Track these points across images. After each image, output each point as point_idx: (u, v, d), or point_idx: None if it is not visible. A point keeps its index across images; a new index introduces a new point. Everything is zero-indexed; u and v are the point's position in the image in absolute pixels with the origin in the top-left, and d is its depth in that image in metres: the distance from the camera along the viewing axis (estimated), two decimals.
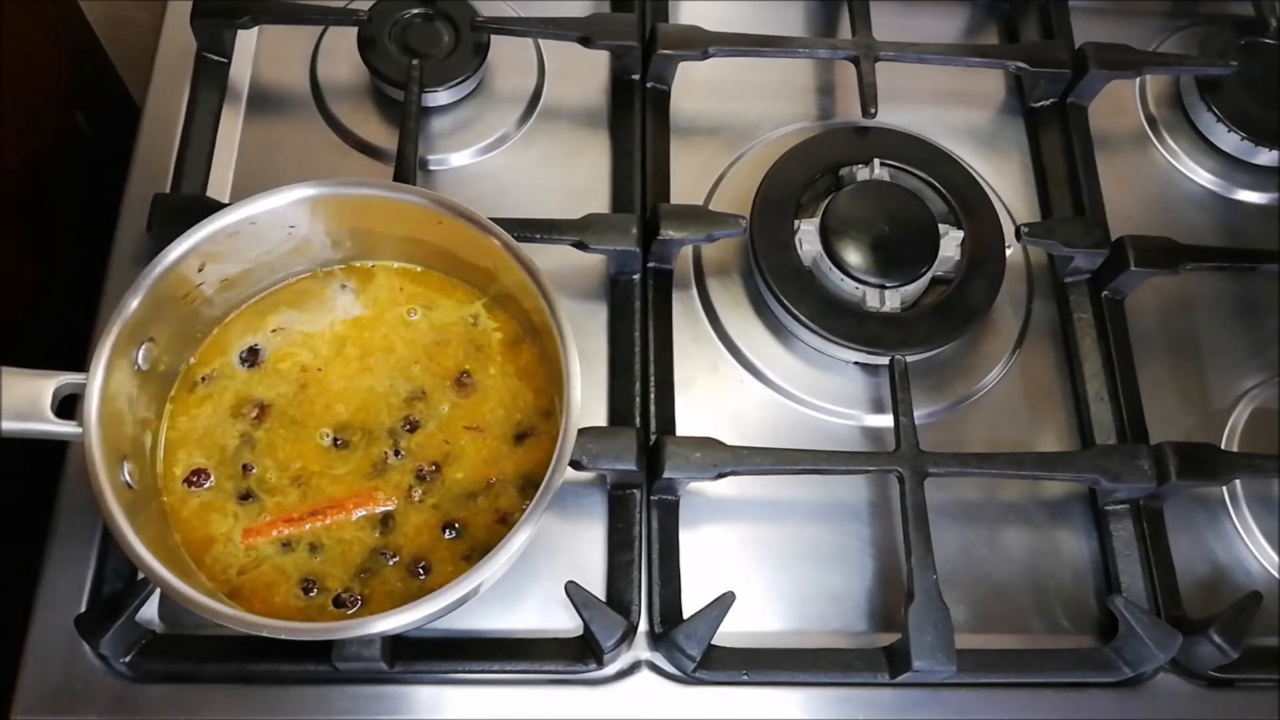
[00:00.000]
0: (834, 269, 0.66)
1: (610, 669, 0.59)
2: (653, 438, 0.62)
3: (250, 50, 0.75)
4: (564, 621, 0.59)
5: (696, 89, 0.76)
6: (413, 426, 0.59)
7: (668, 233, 0.66)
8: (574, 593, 0.57)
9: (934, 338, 0.66)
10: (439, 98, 0.72)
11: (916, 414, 0.64)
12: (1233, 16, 0.83)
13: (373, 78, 0.72)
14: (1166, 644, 0.58)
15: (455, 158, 0.72)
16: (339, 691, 0.57)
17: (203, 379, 0.59)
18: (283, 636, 0.48)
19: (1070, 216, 0.73)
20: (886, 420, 0.65)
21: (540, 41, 0.76)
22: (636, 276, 0.68)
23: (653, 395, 0.65)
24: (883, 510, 0.64)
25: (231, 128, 0.72)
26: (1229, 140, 0.77)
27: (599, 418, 0.64)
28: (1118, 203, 0.74)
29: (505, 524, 0.57)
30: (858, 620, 0.61)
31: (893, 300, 0.66)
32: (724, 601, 0.58)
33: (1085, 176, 0.74)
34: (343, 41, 0.73)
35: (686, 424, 0.65)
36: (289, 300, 0.62)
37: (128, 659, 0.56)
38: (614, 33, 0.72)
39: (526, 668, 0.58)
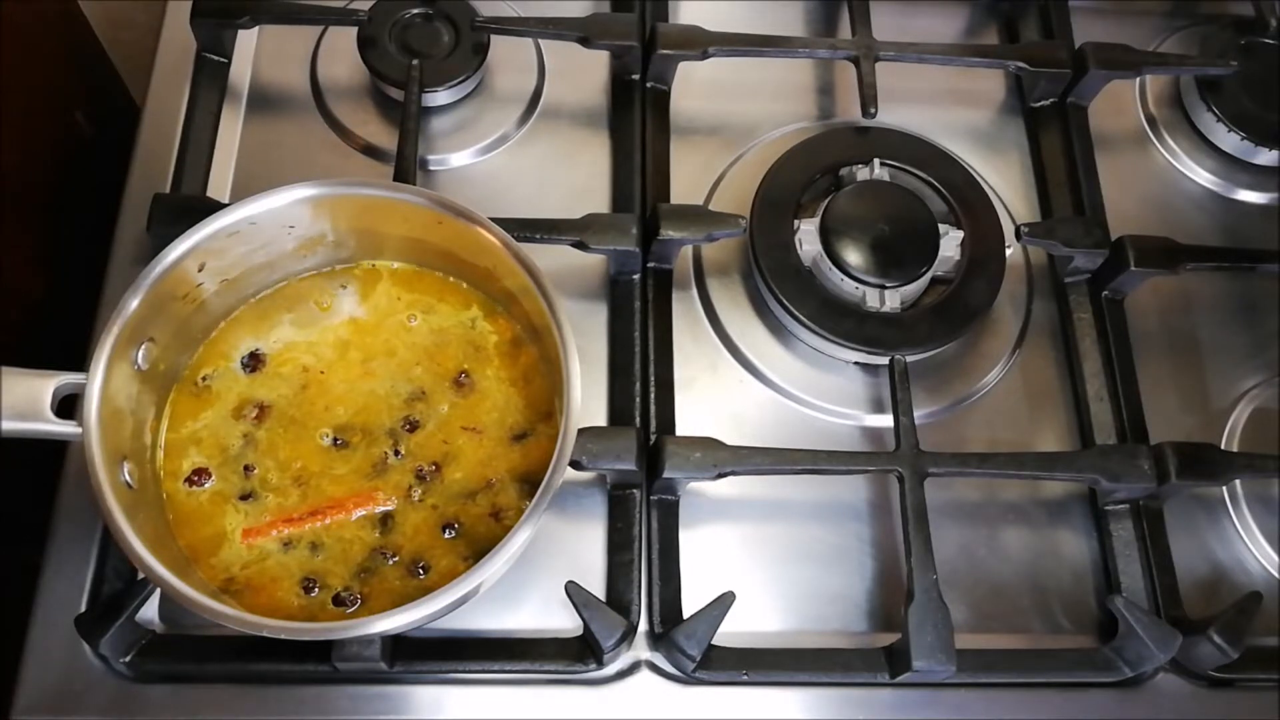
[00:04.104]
0: (834, 269, 0.66)
1: (610, 669, 0.59)
2: (653, 438, 0.62)
3: (250, 50, 0.75)
4: (564, 621, 0.59)
5: (696, 89, 0.76)
6: (413, 426, 0.59)
7: (668, 233, 0.66)
8: (574, 593, 0.57)
9: (934, 338, 0.66)
10: (439, 98, 0.72)
11: (916, 414, 0.64)
12: (1233, 16, 0.83)
13: (373, 78, 0.72)
14: (1166, 644, 0.58)
15: (455, 158, 0.72)
16: (339, 691, 0.57)
17: (203, 379, 0.59)
18: (283, 636, 0.48)
19: (1070, 216, 0.73)
20: (886, 420, 0.65)
21: (540, 41, 0.76)
22: (636, 276, 0.68)
23: (653, 395, 0.65)
24: (883, 510, 0.64)
25: (231, 128, 0.72)
26: (1229, 140, 0.77)
27: (599, 418, 0.64)
28: (1118, 203, 0.74)
29: (503, 523, 0.57)
30: (858, 620, 0.61)
31: (893, 300, 0.66)
32: (724, 601, 0.58)
33: (1085, 176, 0.74)
34: (343, 41, 0.73)
35: (686, 424, 0.65)
36: (289, 301, 0.62)
37: (128, 659, 0.56)
38: (614, 33, 0.72)
39: (526, 668, 0.58)
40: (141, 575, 0.51)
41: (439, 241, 0.60)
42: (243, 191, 0.65)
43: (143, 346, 0.55)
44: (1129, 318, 0.71)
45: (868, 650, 0.59)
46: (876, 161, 0.70)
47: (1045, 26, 0.80)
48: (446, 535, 0.57)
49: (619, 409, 0.64)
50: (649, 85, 0.75)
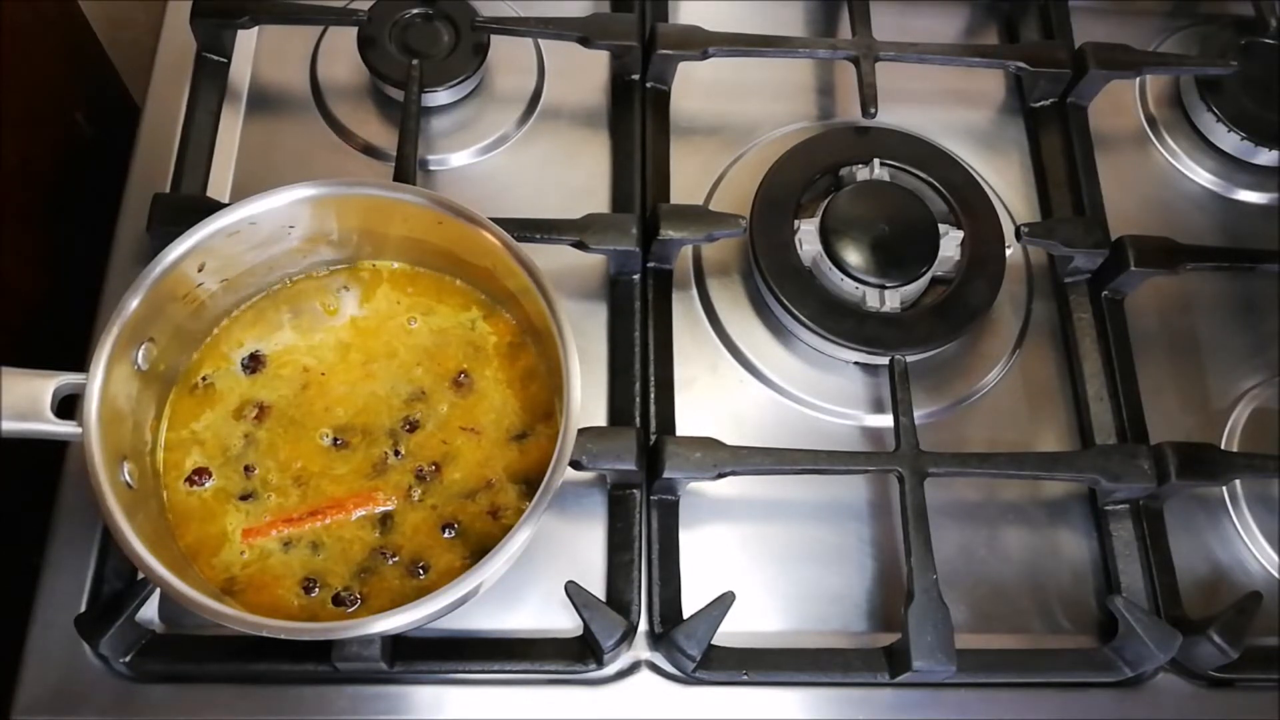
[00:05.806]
0: (834, 269, 0.66)
1: (610, 669, 0.59)
2: (653, 438, 0.62)
3: (250, 50, 0.75)
4: (564, 621, 0.59)
5: (696, 89, 0.76)
6: (412, 427, 0.59)
7: (668, 233, 0.66)
8: (574, 593, 0.57)
9: (934, 338, 0.66)
10: (439, 98, 0.72)
11: (916, 414, 0.64)
12: (1233, 16, 0.83)
13: (373, 78, 0.72)
14: (1166, 644, 0.58)
15: (455, 158, 0.72)
16: (339, 691, 0.57)
17: (203, 379, 0.59)
18: (283, 636, 0.48)
19: (1070, 216, 0.73)
20: (886, 420, 0.65)
21: (540, 41, 0.76)
22: (636, 276, 0.68)
23: (653, 395, 0.65)
24: (883, 510, 0.64)
25: (231, 128, 0.72)
26: (1229, 140, 0.77)
27: (599, 418, 0.64)
28: (1118, 203, 0.74)
29: (502, 523, 0.57)
30: (858, 620, 0.61)
31: (893, 300, 0.66)
32: (724, 601, 0.58)
33: (1085, 176, 0.74)
34: (343, 41, 0.73)
35: (686, 424, 0.65)
36: (289, 301, 0.62)
37: (128, 659, 0.56)
38: (614, 33, 0.72)
39: (526, 668, 0.58)
40: (141, 575, 0.51)
41: (439, 242, 0.60)
42: (243, 191, 0.65)
43: (143, 346, 0.55)
44: (1129, 318, 0.71)
45: (868, 650, 0.59)
46: (876, 161, 0.70)
47: (1045, 26, 0.80)
48: (446, 535, 0.57)
49: (619, 409, 0.64)
50: (649, 85, 0.75)
